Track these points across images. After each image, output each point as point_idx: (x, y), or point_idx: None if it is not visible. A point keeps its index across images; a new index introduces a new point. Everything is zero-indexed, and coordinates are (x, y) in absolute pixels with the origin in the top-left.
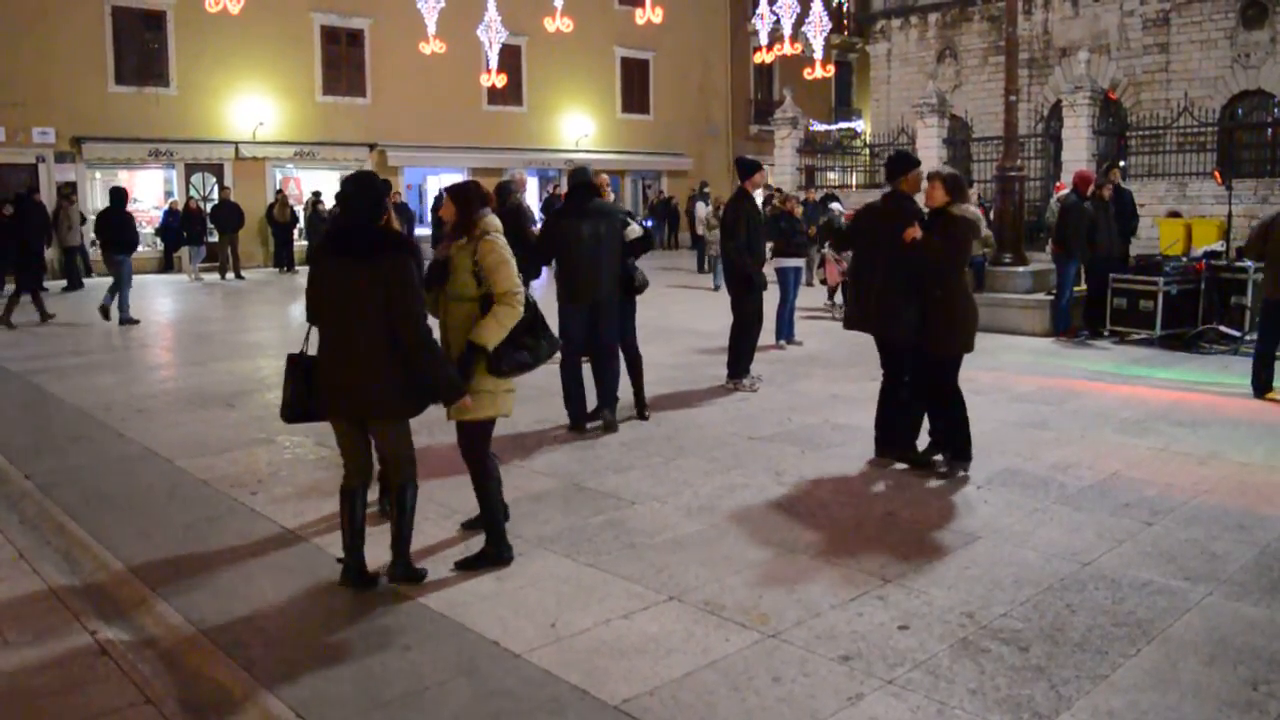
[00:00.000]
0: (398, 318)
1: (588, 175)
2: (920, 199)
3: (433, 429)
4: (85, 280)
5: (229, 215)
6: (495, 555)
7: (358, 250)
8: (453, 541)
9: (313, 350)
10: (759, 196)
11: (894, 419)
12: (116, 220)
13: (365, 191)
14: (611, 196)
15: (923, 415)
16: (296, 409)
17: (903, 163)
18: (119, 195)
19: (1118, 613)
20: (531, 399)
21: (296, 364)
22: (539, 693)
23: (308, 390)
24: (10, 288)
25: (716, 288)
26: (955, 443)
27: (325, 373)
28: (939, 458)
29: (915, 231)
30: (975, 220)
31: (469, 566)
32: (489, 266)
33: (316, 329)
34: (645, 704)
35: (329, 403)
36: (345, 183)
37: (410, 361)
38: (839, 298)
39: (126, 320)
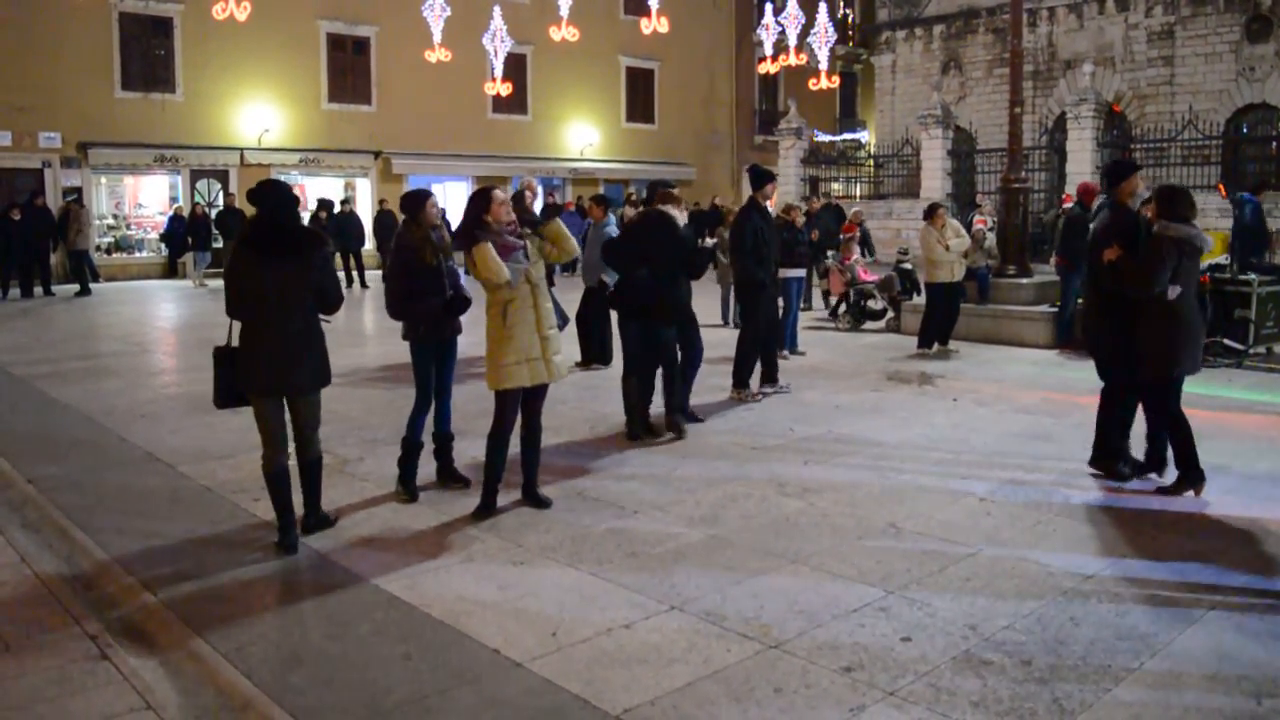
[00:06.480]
0: (330, 298)
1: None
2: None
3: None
4: (93, 285)
5: (234, 221)
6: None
7: (285, 247)
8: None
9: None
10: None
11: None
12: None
13: (281, 196)
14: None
15: (1115, 428)
16: (228, 395)
17: (1118, 170)
18: (326, 204)
19: (1121, 626)
20: None
21: (223, 355)
22: (540, 702)
23: (234, 377)
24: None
25: (726, 323)
26: (1178, 464)
27: (259, 357)
28: (1126, 470)
29: (1112, 254)
30: (1186, 238)
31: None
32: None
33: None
34: (646, 714)
35: (262, 383)
36: (260, 189)
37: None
38: (843, 307)
39: None
